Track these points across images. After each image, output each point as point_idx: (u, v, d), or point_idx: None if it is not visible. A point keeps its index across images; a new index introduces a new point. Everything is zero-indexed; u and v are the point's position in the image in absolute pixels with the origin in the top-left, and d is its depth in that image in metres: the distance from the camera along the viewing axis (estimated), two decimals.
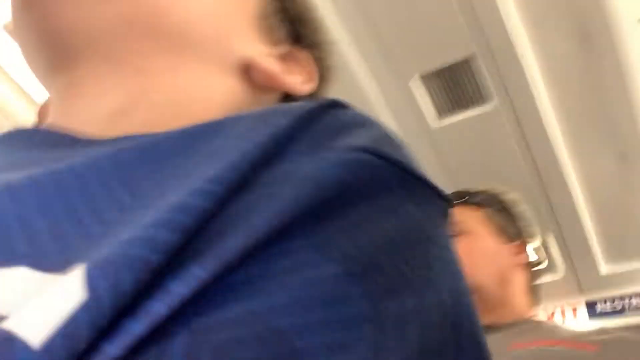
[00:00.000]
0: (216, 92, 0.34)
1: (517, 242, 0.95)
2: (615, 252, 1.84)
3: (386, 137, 0.24)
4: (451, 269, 0.23)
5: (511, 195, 1.03)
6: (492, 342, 0.77)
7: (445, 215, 0.25)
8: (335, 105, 0.25)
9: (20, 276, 0.17)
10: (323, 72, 0.42)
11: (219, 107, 0.33)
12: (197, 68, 0.33)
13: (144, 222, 0.17)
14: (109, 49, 0.31)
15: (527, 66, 1.43)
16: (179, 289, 0.16)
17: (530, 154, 1.62)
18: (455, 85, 1.55)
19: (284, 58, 0.39)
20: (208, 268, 0.17)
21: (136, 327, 0.15)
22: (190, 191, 0.19)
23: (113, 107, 0.30)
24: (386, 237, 0.21)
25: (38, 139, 0.28)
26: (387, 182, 0.22)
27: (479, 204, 0.97)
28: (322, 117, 0.24)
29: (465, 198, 0.99)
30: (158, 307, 0.16)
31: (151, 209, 0.19)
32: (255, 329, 0.16)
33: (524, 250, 0.95)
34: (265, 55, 0.36)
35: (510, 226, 0.96)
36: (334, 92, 0.40)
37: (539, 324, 0.88)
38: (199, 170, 0.20)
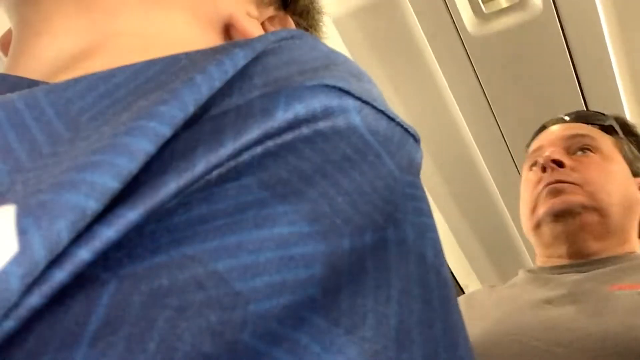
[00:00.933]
0: (191, 46, 0.30)
1: None
2: None
3: (350, 71, 0.23)
4: (416, 205, 0.22)
5: (633, 123, 0.99)
6: (591, 280, 0.73)
7: (414, 153, 0.24)
8: (296, 36, 0.24)
9: None
10: None
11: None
12: (175, 16, 0.31)
13: (81, 163, 0.16)
14: None
15: None
16: (106, 233, 0.15)
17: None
18: None
19: (269, 21, 0.37)
20: (139, 210, 0.16)
21: (59, 275, 0.15)
22: (132, 130, 0.17)
23: (75, 49, 0.29)
24: (344, 174, 0.20)
25: None
26: (349, 119, 0.21)
27: (610, 131, 0.93)
28: (280, 48, 0.23)
29: (599, 120, 0.94)
30: (82, 254, 0.15)
31: (89, 146, 0.17)
32: (192, 274, 0.16)
33: None
34: (249, 17, 0.35)
35: (638, 161, 0.93)
36: None
37: None
38: (141, 105, 0.19)
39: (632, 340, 0.59)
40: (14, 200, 0.15)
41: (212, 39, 0.33)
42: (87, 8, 0.29)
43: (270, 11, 0.38)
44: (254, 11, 0.36)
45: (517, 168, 1.64)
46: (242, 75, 0.21)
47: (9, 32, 0.36)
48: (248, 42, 0.22)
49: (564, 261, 0.84)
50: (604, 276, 0.76)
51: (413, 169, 0.24)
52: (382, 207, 0.20)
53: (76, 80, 0.21)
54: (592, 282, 0.75)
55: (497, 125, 1.58)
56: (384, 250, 0.20)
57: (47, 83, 0.25)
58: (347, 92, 0.22)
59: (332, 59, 0.24)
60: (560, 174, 0.85)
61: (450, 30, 1.42)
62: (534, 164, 0.92)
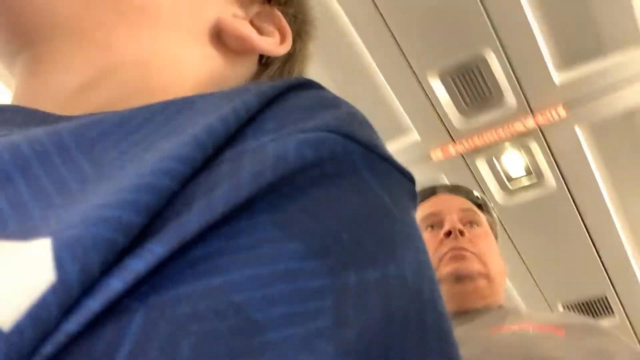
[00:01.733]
0: (187, 61, 0.33)
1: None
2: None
3: (353, 117, 0.24)
4: (414, 244, 0.23)
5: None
6: (476, 327, 0.90)
7: (411, 196, 0.26)
8: (305, 85, 0.26)
9: None
10: (300, 28, 0.41)
11: (192, 77, 0.33)
12: (165, 37, 0.32)
13: (108, 200, 0.17)
14: (70, 25, 0.31)
15: None
16: (136, 266, 0.16)
17: None
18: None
19: (257, 18, 0.37)
20: (166, 245, 0.17)
21: (93, 304, 0.15)
22: (155, 170, 0.19)
23: (78, 83, 0.30)
24: (349, 214, 0.21)
25: (6, 116, 0.27)
26: (352, 161, 0.22)
27: (482, 208, 1.12)
28: (290, 96, 0.25)
29: (476, 198, 1.14)
30: (115, 284, 0.16)
31: (114, 183, 0.19)
32: (213, 304, 0.17)
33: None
34: (236, 18, 0.36)
35: (495, 230, 1.12)
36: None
37: (517, 308, 0.99)
38: (162, 146, 0.20)
39: None
40: (49, 233, 0.16)
41: (205, 50, 0.34)
42: (79, 45, 0.31)
43: (255, 8, 0.38)
44: (239, 12, 0.36)
45: None
46: (255, 119, 0.22)
47: None
48: (260, 88, 0.24)
49: (453, 314, 1.00)
50: (485, 323, 0.92)
51: (410, 209, 0.25)
52: (382, 245, 0.21)
53: (98, 120, 0.23)
54: (477, 329, 0.91)
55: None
56: (385, 285, 0.20)
57: (61, 116, 0.27)
58: (351, 138, 0.23)
59: (336, 104, 0.25)
60: (463, 242, 1.01)
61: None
62: (433, 225, 1.07)
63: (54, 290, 0.15)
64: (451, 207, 1.09)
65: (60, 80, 0.31)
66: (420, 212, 1.12)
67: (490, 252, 1.04)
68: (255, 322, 0.17)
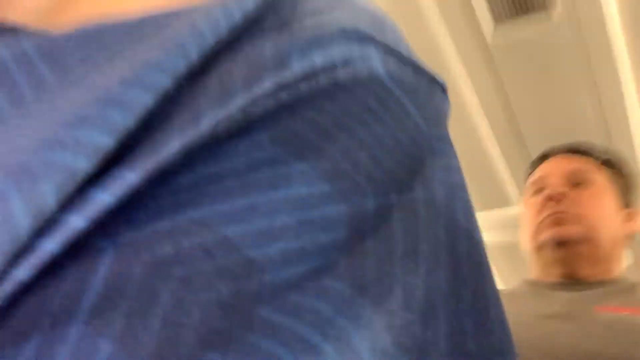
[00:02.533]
0: None
1: (629, 211, 1.07)
2: None
3: (373, 16, 0.21)
4: (446, 162, 0.21)
5: (629, 164, 1.14)
6: (581, 300, 0.94)
7: (442, 104, 0.23)
8: None
9: None
10: None
11: None
12: None
13: (69, 116, 0.15)
14: None
15: None
16: (101, 197, 0.14)
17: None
18: None
19: None
20: (139, 171, 0.14)
21: (48, 245, 0.13)
22: (127, 80, 0.16)
23: None
24: (367, 128, 0.18)
25: None
26: (370, 66, 0.19)
27: (606, 164, 1.07)
28: None
29: (597, 154, 1.09)
30: (75, 221, 0.13)
31: (78, 97, 0.16)
32: (199, 241, 0.14)
33: (633, 220, 1.07)
34: None
35: (627, 194, 1.07)
36: None
37: (633, 287, 0.96)
38: (140, 53, 0.17)
39: (610, 357, 0.74)
40: None
41: None
42: None
43: None
44: None
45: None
46: (251, 20, 0.19)
47: None
48: None
49: (559, 280, 0.99)
50: (591, 297, 0.91)
51: (441, 121, 0.22)
52: (408, 163, 0.19)
53: (68, 33, 0.19)
54: (582, 302, 0.90)
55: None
56: (412, 212, 0.18)
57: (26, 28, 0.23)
58: (369, 38, 0.20)
59: (353, 2, 0.21)
60: (564, 206, 0.99)
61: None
62: (538, 190, 1.06)
63: None
64: (557, 170, 1.06)
65: None
66: (529, 180, 1.10)
67: (599, 215, 0.99)
68: (251, 261, 0.15)
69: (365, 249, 0.16)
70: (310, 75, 0.18)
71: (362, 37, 0.19)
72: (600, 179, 1.04)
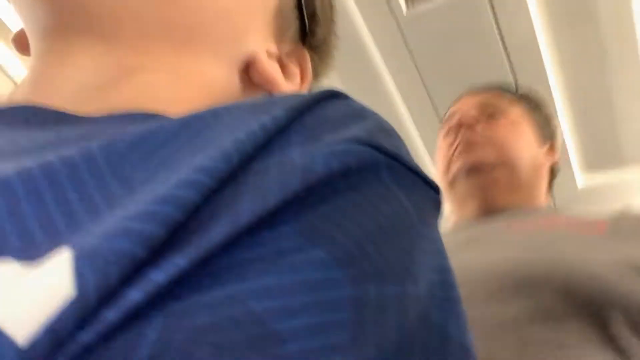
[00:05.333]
0: (214, 80, 0.34)
1: (549, 143, 0.96)
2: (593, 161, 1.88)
3: (380, 128, 0.24)
4: (434, 262, 0.23)
5: (542, 96, 1.04)
6: (495, 223, 0.76)
7: (436, 206, 0.26)
8: (332, 96, 0.26)
9: (5, 267, 0.16)
10: (319, 71, 0.43)
11: (214, 97, 0.33)
12: (202, 59, 0.33)
13: (131, 213, 0.17)
14: (114, 30, 0.30)
15: None
16: (156, 277, 0.16)
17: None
18: None
19: (286, 56, 0.39)
20: (189, 257, 0.17)
21: (110, 315, 0.15)
22: (178, 182, 0.18)
23: (99, 80, 0.30)
24: (374, 224, 0.21)
25: (23, 116, 0.27)
26: (378, 172, 0.22)
27: (520, 100, 0.98)
28: (318, 108, 0.24)
29: (510, 91, 1.00)
30: (134, 295, 0.16)
31: (139, 198, 0.18)
32: (232, 313, 0.16)
33: (554, 152, 0.97)
34: (269, 57, 0.37)
35: (544, 126, 0.97)
36: None
37: (555, 210, 0.87)
38: (188, 160, 0.20)
39: (517, 269, 0.61)
40: (71, 245, 0.16)
41: (232, 76, 0.35)
42: (116, 45, 0.30)
43: (287, 46, 0.39)
44: (273, 48, 0.38)
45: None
46: (282, 132, 0.22)
47: (24, 32, 0.35)
48: (288, 101, 0.23)
49: (476, 213, 0.87)
50: (507, 219, 0.79)
51: (434, 219, 0.25)
52: (403, 259, 0.21)
53: (125, 133, 0.22)
54: (495, 225, 0.78)
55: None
56: (403, 304, 0.20)
57: (82, 117, 0.26)
58: (378, 148, 0.23)
59: (363, 115, 0.25)
60: (473, 134, 0.88)
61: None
62: (448, 130, 0.94)
63: (72, 304, 0.15)
64: (469, 102, 0.96)
65: (81, 76, 0.30)
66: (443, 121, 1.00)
67: (515, 140, 0.88)
68: (274, 333, 0.17)
69: (365, 333, 0.18)
70: (331, 179, 0.21)
71: (372, 147, 0.23)
72: (515, 111, 0.94)
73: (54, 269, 0.16)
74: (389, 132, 0.25)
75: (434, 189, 0.26)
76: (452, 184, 0.91)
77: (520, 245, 0.68)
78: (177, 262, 0.17)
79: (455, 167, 0.89)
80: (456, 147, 0.90)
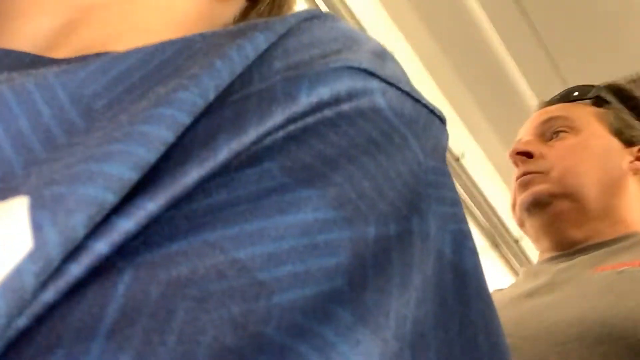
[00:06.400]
0: (177, 2, 0.31)
1: (637, 148, 0.86)
2: None
3: (375, 52, 0.23)
4: (441, 194, 0.22)
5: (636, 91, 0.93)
6: (571, 267, 0.71)
7: (441, 136, 0.24)
8: (318, 17, 0.24)
9: None
10: None
11: (180, 17, 0.31)
12: None
13: (98, 153, 0.16)
14: None
15: None
16: (124, 225, 0.15)
17: None
18: None
19: None
20: (160, 201, 0.16)
21: (74, 270, 0.14)
22: (150, 118, 0.17)
23: (56, 25, 0.28)
24: (370, 158, 0.19)
25: None
26: (373, 99, 0.21)
27: (594, 103, 0.89)
28: (303, 30, 0.22)
29: (581, 95, 0.91)
30: (100, 247, 0.15)
31: (106, 136, 0.17)
32: (212, 262, 0.15)
33: None
34: None
35: (629, 127, 0.87)
36: None
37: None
38: (159, 94, 0.18)
39: (592, 324, 0.57)
40: (27, 191, 0.15)
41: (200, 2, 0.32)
42: None
43: None
44: None
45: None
46: (263, 59, 0.20)
47: None
48: (269, 25, 0.22)
49: (553, 253, 0.81)
50: (588, 260, 0.73)
51: (438, 153, 0.23)
52: (407, 195, 0.20)
53: (86, 62, 0.21)
54: (575, 269, 0.72)
55: None
56: (408, 243, 0.19)
57: (53, 59, 0.25)
58: (372, 74, 0.21)
59: (354, 38, 0.23)
60: (528, 165, 0.82)
61: None
62: (512, 160, 0.88)
63: (30, 259, 0.14)
64: (530, 127, 0.89)
65: (35, 24, 0.28)
66: None
67: (577, 163, 0.80)
68: (260, 283, 0.15)
69: (366, 277, 0.17)
70: (317, 109, 0.19)
71: (365, 73, 0.21)
72: (585, 121, 0.85)
73: (9, 219, 0.14)
74: (383, 55, 0.23)
75: (439, 117, 0.24)
76: (522, 224, 0.86)
77: (598, 295, 0.63)
78: (147, 207, 0.15)
79: (517, 206, 0.83)
80: (515, 183, 0.84)
